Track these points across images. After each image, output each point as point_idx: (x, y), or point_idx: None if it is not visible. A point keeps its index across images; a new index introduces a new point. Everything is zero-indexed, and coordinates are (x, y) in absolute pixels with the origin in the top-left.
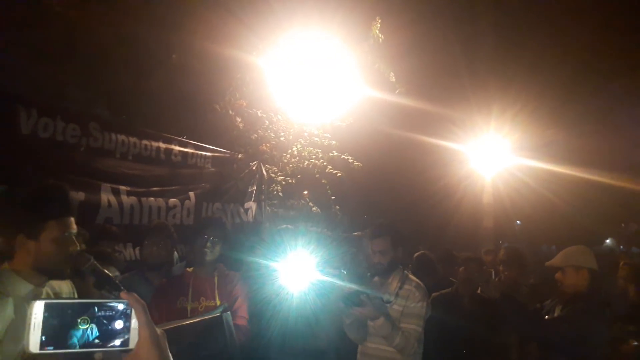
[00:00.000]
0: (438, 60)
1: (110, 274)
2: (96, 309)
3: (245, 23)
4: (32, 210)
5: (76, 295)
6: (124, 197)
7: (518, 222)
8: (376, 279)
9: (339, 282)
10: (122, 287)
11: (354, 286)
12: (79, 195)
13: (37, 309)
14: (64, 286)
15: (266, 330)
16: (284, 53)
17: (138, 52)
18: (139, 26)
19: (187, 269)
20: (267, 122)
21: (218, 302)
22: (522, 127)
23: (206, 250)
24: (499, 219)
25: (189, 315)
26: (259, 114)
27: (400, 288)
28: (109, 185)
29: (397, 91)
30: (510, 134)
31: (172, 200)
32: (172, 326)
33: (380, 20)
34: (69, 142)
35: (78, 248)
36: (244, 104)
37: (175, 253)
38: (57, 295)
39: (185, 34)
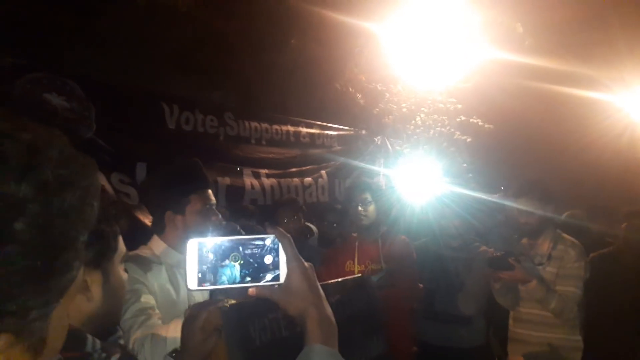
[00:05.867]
0: (574, 8)
1: None
2: (245, 246)
3: None
4: (176, 187)
5: None
6: (264, 180)
7: None
8: (524, 240)
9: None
10: None
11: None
12: (225, 180)
13: (192, 248)
14: None
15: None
16: (401, 17)
17: (260, 44)
18: (257, 18)
19: (353, 234)
20: (388, 94)
21: (383, 265)
22: None
23: (360, 215)
24: None
25: None
26: (379, 88)
27: (554, 249)
28: (249, 169)
29: (525, 43)
30: None
31: (307, 180)
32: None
33: None
34: (209, 132)
35: (220, 217)
36: (363, 78)
37: (315, 228)
38: None
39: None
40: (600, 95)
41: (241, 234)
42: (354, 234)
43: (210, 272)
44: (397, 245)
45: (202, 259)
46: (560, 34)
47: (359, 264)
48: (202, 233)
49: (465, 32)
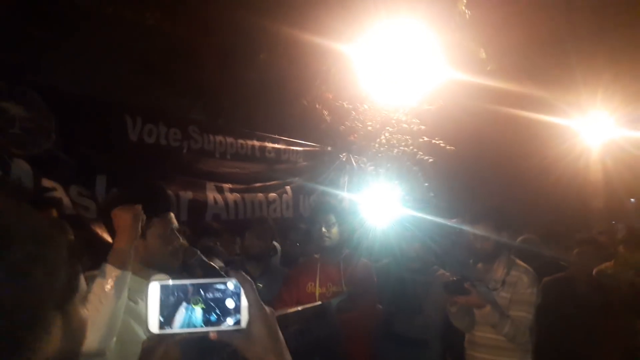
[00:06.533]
0: (535, 34)
1: (216, 266)
2: (208, 289)
3: (331, 11)
4: None
5: None
6: (228, 194)
7: (632, 200)
8: (480, 265)
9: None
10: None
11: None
12: (187, 194)
13: (153, 290)
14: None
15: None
16: (369, 38)
17: (228, 58)
18: (225, 32)
19: (315, 255)
20: (354, 112)
21: (344, 288)
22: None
23: (323, 236)
24: (610, 197)
25: (317, 300)
26: (345, 106)
27: (508, 274)
28: (213, 183)
29: (488, 68)
30: (622, 106)
31: (271, 195)
32: (278, 314)
33: None
34: (172, 145)
35: (182, 241)
36: (330, 96)
37: (278, 245)
38: None
39: (270, 30)
40: (558, 119)
41: (201, 259)
42: (317, 255)
43: (171, 316)
44: (359, 269)
45: (163, 302)
46: (521, 58)
47: (320, 286)
48: (162, 257)
49: (430, 54)
